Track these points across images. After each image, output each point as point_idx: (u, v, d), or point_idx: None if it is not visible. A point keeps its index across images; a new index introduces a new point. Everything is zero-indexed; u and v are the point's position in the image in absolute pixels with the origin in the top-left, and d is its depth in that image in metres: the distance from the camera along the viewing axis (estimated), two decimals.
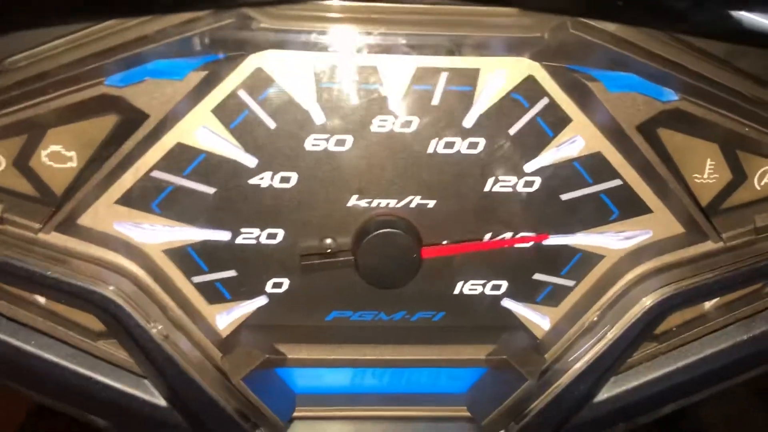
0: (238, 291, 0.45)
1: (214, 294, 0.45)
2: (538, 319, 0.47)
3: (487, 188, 0.44)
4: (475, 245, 0.45)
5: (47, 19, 0.37)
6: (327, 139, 0.42)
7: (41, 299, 0.46)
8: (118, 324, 0.42)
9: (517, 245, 0.45)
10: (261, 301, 0.46)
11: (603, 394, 0.48)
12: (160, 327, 0.43)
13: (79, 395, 0.47)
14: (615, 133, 0.42)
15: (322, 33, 0.39)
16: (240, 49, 0.39)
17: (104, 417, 0.50)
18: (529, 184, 0.44)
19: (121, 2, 0.36)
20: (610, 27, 0.40)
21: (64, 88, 0.39)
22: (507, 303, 0.47)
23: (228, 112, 0.41)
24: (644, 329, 0.44)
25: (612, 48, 0.39)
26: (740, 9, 0.37)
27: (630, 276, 0.45)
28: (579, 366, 0.45)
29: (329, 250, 0.44)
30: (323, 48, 0.39)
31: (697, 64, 0.41)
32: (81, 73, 0.39)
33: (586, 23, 0.39)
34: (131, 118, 0.40)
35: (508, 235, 0.45)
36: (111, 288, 0.42)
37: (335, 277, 0.45)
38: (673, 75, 0.40)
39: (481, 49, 0.40)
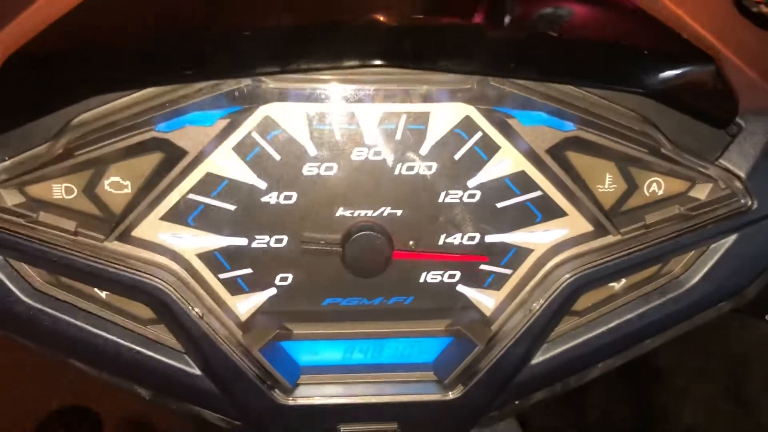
0: (253, 284, 0.59)
1: (235, 287, 0.59)
2: (485, 300, 0.60)
3: (440, 200, 0.57)
4: (436, 255, 0.58)
5: (116, 87, 0.52)
6: (318, 166, 0.55)
7: (102, 294, 0.59)
8: (166, 308, 0.55)
9: (465, 243, 0.59)
10: (271, 291, 0.59)
11: (538, 358, 0.61)
12: (197, 310, 0.56)
13: (130, 368, 0.59)
14: (532, 156, 0.56)
15: (314, 90, 0.53)
16: (254, 102, 0.53)
17: (149, 387, 0.63)
18: (472, 196, 0.57)
19: (172, 76, 0.50)
20: (519, 80, 0.54)
21: (123, 134, 0.53)
22: (461, 288, 0.60)
23: (244, 149, 0.55)
24: (563, 303, 0.58)
25: (520, 94, 0.53)
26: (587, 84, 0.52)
27: (552, 263, 0.58)
28: (515, 333, 0.59)
29: (322, 242, 0.58)
30: (315, 100, 0.53)
31: (587, 103, 0.56)
32: (137, 123, 0.53)
33: (501, 78, 0.54)
34: (174, 155, 0.54)
35: (458, 236, 0.59)
36: (159, 281, 0.55)
37: (328, 272, 0.59)
38: (568, 111, 0.54)
39: (430, 97, 0.54)
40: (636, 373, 2.69)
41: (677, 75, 0.53)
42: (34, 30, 0.52)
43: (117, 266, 0.55)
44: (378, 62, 0.48)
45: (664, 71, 0.52)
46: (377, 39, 0.49)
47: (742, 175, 0.56)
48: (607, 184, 0.58)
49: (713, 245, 0.59)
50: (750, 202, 0.56)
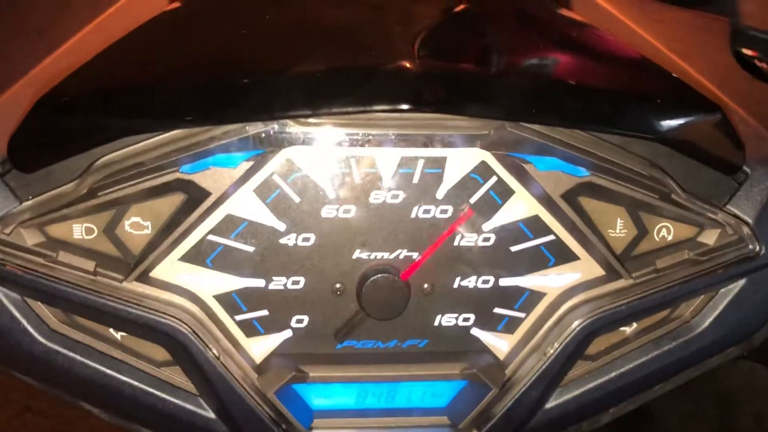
0: (269, 326, 0.59)
1: (251, 329, 0.59)
2: (499, 343, 0.61)
3: (455, 243, 0.58)
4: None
5: (144, 129, 0.53)
6: (337, 209, 0.56)
7: (118, 336, 0.59)
8: (182, 349, 0.55)
9: (480, 286, 0.60)
10: (287, 334, 0.59)
11: (552, 402, 0.61)
12: (214, 351, 0.56)
13: (143, 411, 0.58)
14: (546, 201, 0.57)
15: (336, 134, 0.54)
16: (279, 146, 0.54)
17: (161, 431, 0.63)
18: (486, 239, 0.58)
19: (203, 118, 0.51)
20: (536, 126, 0.56)
21: (147, 175, 0.54)
22: (475, 332, 0.61)
23: (265, 191, 0.55)
24: (577, 347, 0.58)
25: (537, 140, 0.54)
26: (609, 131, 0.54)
27: (565, 307, 0.59)
28: (530, 377, 0.59)
29: (348, 320, 0.58)
30: (336, 144, 0.55)
31: (601, 149, 0.57)
32: (162, 164, 0.54)
33: (519, 124, 0.55)
34: (196, 196, 0.54)
35: (473, 278, 0.60)
36: (177, 321, 0.55)
37: (344, 315, 0.59)
38: (582, 158, 0.56)
39: (447, 142, 0.56)
40: (628, 417, 2.67)
41: (687, 121, 0.54)
42: (65, 71, 0.53)
43: (135, 306, 0.55)
44: (405, 107, 0.50)
45: (675, 118, 0.54)
46: (404, 85, 0.51)
47: (750, 221, 0.58)
48: (618, 229, 0.59)
49: (722, 290, 0.60)
50: (758, 248, 0.58)
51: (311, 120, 0.53)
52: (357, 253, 0.57)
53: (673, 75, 0.59)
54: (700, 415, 2.59)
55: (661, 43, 0.67)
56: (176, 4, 0.65)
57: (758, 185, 0.58)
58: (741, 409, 2.62)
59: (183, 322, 0.55)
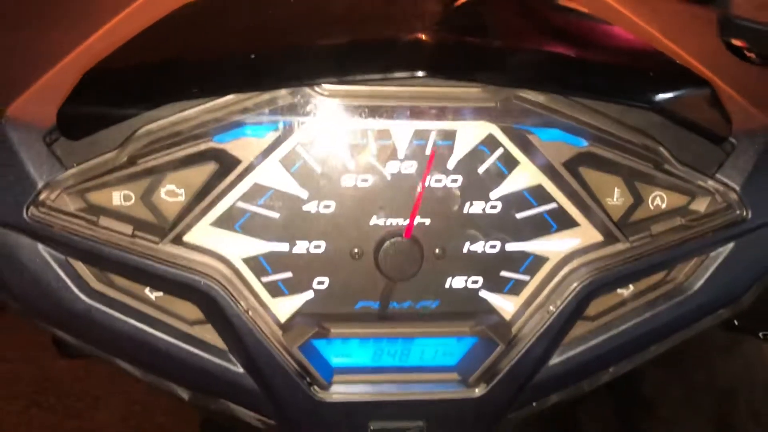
0: (293, 288, 0.63)
1: (276, 290, 0.63)
2: (505, 304, 0.65)
3: (465, 210, 0.63)
4: None
5: (185, 96, 0.57)
6: (355, 178, 0.61)
7: (152, 296, 0.64)
8: (214, 305, 0.60)
9: (488, 251, 0.64)
10: (309, 295, 0.64)
11: (554, 359, 0.66)
12: (243, 306, 0.61)
13: (176, 366, 0.63)
14: (549, 170, 0.62)
15: (356, 106, 0.59)
16: (303, 115, 0.58)
17: (191, 386, 0.67)
18: (493, 207, 0.63)
19: (238, 84, 0.56)
20: (540, 98, 0.61)
21: (183, 144, 0.59)
22: (483, 293, 0.65)
23: (290, 161, 0.60)
24: (577, 306, 0.62)
25: (540, 112, 0.59)
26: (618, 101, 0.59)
27: (566, 270, 0.63)
28: (534, 334, 0.64)
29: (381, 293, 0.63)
30: (356, 115, 0.59)
31: (599, 121, 0.62)
32: (197, 134, 0.59)
33: (523, 97, 0.60)
34: (227, 164, 0.59)
35: (481, 243, 0.64)
36: (210, 278, 0.60)
37: (362, 277, 0.64)
38: (582, 128, 0.61)
39: (457, 116, 0.60)
40: (626, 405, 2.73)
41: (679, 93, 0.59)
42: (103, 52, 0.58)
43: (170, 265, 0.59)
44: (421, 73, 0.55)
45: (667, 90, 0.59)
46: (420, 54, 0.55)
47: (737, 188, 0.62)
48: (616, 197, 0.64)
49: (713, 254, 0.65)
50: (745, 213, 0.62)
51: (334, 92, 0.58)
52: (374, 220, 0.62)
53: (667, 54, 0.64)
54: (696, 403, 2.64)
55: (656, 30, 0.72)
56: None
57: (744, 155, 0.63)
58: (736, 399, 2.67)
59: (216, 280, 0.60)
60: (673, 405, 2.68)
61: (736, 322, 0.81)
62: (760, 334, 0.81)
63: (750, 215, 0.62)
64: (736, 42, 0.78)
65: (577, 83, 0.59)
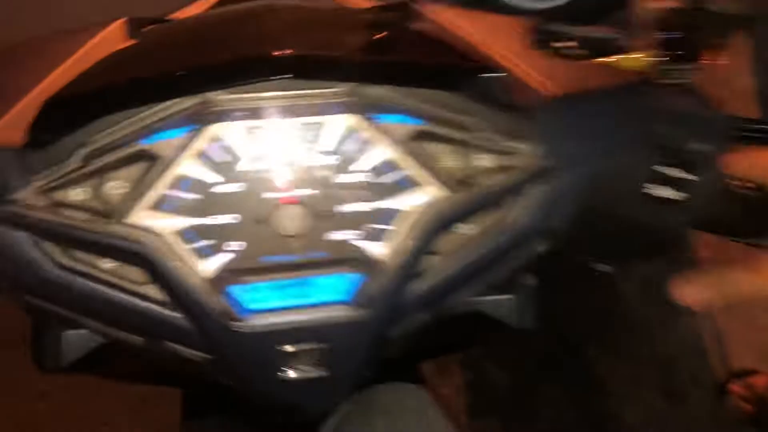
0: (213, 250, 0.81)
1: (201, 253, 0.79)
2: (377, 248, 0.83)
3: (339, 180, 0.82)
4: None
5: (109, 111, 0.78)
6: (252, 163, 0.82)
7: (107, 266, 0.84)
8: (154, 267, 0.78)
9: (361, 210, 0.85)
10: (227, 255, 0.81)
11: (418, 284, 0.84)
12: (176, 266, 0.81)
13: (132, 319, 0.81)
14: (398, 145, 0.81)
15: (242, 108, 0.80)
16: (204, 122, 0.79)
17: (143, 335, 0.87)
18: (360, 175, 0.83)
19: (153, 98, 0.78)
20: (383, 91, 0.82)
21: (120, 149, 0.79)
22: (359, 243, 0.83)
23: (201, 154, 0.80)
24: (426, 240, 0.82)
25: (384, 102, 0.80)
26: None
27: (418, 217, 0.83)
28: (398, 266, 0.83)
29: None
30: (244, 117, 0.80)
31: (430, 105, 0.82)
32: (128, 140, 0.80)
33: (370, 91, 0.81)
34: (154, 161, 0.79)
35: (355, 205, 0.85)
36: (150, 247, 0.80)
37: (266, 239, 0.84)
38: (418, 111, 0.82)
39: (324, 109, 0.80)
40: (579, 386, 2.95)
41: (482, 79, 0.82)
42: (65, 82, 0.80)
43: (119, 240, 0.79)
44: (287, 75, 0.76)
45: (474, 77, 0.81)
46: (288, 63, 0.77)
47: (541, 145, 0.84)
48: (452, 161, 0.85)
49: (530, 194, 0.86)
50: (550, 163, 0.84)
51: (228, 99, 0.79)
52: (271, 194, 0.83)
53: (481, 52, 0.86)
54: (643, 379, 2.86)
55: (478, 39, 0.95)
56: (133, 41, 0.92)
57: (543, 121, 0.85)
58: (678, 367, 2.89)
59: (153, 247, 0.80)
60: (621, 381, 2.91)
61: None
62: (593, 266, 1.02)
63: (553, 163, 0.84)
64: (556, 44, 1.01)
65: (406, 78, 0.81)
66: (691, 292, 0.83)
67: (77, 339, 1.05)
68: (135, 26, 0.96)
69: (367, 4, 1.22)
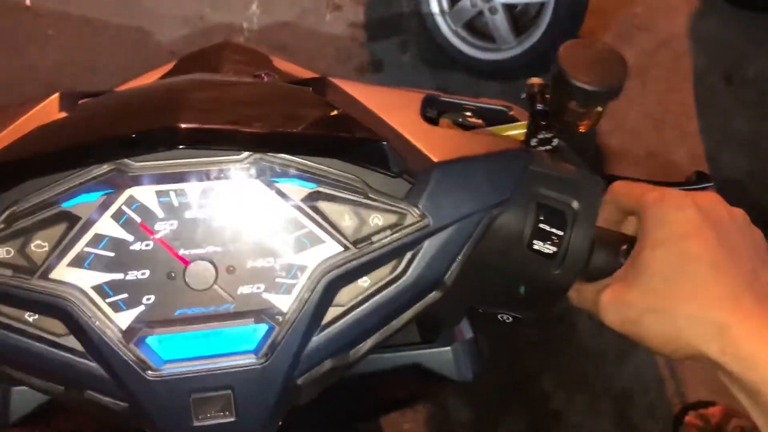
0: (129, 304, 0.89)
1: (117, 306, 0.86)
2: (281, 300, 0.91)
3: (245, 238, 0.92)
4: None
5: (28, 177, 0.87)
6: (164, 224, 0.90)
7: (30, 319, 0.91)
8: (73, 320, 0.85)
9: (266, 265, 0.94)
10: (141, 308, 0.89)
11: (320, 334, 0.92)
12: (93, 319, 0.89)
13: (52, 369, 0.88)
14: (296, 206, 0.88)
15: (153, 174, 0.89)
16: (117, 186, 0.86)
17: (63, 384, 0.94)
18: (264, 233, 0.92)
19: (70, 165, 0.86)
20: (277, 158, 0.91)
21: (42, 211, 0.87)
22: (265, 295, 0.92)
23: (117, 215, 0.87)
24: (325, 294, 0.90)
25: (279, 168, 0.89)
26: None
27: (318, 271, 0.88)
28: (299, 317, 0.91)
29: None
30: (155, 182, 0.89)
31: (320, 169, 0.90)
32: (50, 202, 0.88)
33: (265, 158, 0.90)
34: (74, 222, 0.86)
35: (260, 260, 0.93)
36: (70, 302, 0.87)
37: (178, 293, 0.92)
38: (309, 175, 0.91)
39: (226, 174, 0.89)
40: (539, 418, 3.01)
41: (363, 148, 0.91)
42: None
43: (40, 295, 0.87)
44: (182, 146, 0.85)
45: (355, 147, 0.90)
46: (182, 135, 0.86)
47: (420, 205, 0.93)
48: (347, 220, 0.94)
49: (416, 250, 0.95)
50: (428, 221, 0.93)
51: (139, 167, 0.88)
52: (182, 251, 0.91)
53: (362, 125, 0.95)
54: (599, 410, 2.93)
55: (377, 111, 1.05)
56: (63, 114, 1.01)
57: (421, 184, 0.94)
58: (633, 400, 2.96)
59: (73, 302, 0.88)
60: (578, 412, 2.97)
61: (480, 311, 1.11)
62: (499, 317, 1.10)
63: (431, 222, 0.93)
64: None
65: (300, 147, 0.90)
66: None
67: (24, 396, 1.14)
68: (69, 99, 1.06)
69: (306, 74, 1.32)
